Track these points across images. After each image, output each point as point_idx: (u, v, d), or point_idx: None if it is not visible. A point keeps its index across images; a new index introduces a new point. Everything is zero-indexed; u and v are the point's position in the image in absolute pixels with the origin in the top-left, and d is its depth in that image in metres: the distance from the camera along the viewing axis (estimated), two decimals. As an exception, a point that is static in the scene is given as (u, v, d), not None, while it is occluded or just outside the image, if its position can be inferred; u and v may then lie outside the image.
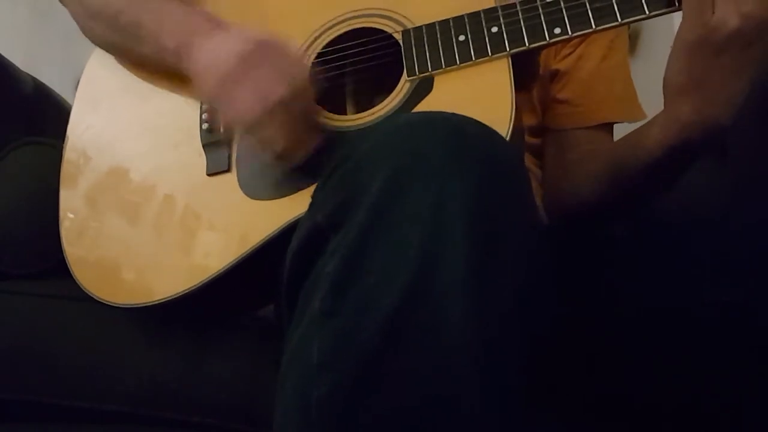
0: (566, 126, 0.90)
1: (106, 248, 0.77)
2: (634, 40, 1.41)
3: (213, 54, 0.70)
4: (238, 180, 0.74)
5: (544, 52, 0.86)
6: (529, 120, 0.91)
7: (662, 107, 0.68)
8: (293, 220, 0.67)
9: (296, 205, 0.67)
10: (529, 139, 0.92)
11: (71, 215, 0.79)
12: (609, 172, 0.78)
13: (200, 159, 0.76)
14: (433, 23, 0.72)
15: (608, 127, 0.91)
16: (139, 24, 0.76)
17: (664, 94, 0.67)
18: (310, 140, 0.70)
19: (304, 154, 0.70)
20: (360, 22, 0.76)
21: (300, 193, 0.69)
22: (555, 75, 0.91)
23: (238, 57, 0.68)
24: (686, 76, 0.63)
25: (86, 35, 0.85)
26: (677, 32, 0.65)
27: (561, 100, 0.91)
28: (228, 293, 0.74)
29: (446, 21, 0.71)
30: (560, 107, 0.91)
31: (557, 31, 0.67)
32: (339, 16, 0.77)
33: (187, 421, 0.77)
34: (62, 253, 0.78)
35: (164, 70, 0.78)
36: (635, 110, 0.92)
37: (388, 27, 0.75)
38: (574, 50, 0.91)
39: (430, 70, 0.70)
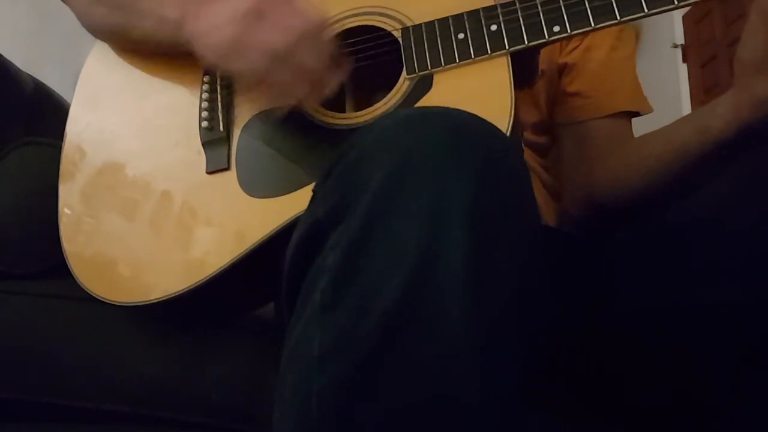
0: (580, 118, 0.90)
1: (104, 245, 0.77)
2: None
3: (226, 9, 0.69)
4: (238, 178, 0.74)
5: (548, 48, 0.86)
6: (532, 116, 0.91)
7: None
8: (293, 217, 0.67)
9: (296, 202, 0.67)
10: (532, 137, 0.92)
11: (69, 212, 0.79)
12: (665, 159, 0.77)
13: (199, 157, 0.76)
14: (433, 21, 0.72)
15: (625, 116, 0.90)
16: None
17: (736, 71, 0.65)
18: (341, 68, 0.70)
19: (336, 85, 0.70)
20: (359, 20, 0.77)
21: (300, 190, 0.69)
22: (563, 69, 0.91)
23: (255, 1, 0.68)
24: (765, 50, 0.62)
25: (86, 24, 0.84)
26: (754, 3, 0.63)
27: (572, 93, 0.91)
28: (227, 292, 0.74)
29: (446, 19, 0.71)
30: (572, 100, 0.91)
31: (556, 29, 0.68)
32: (338, 14, 0.77)
33: (187, 421, 0.77)
34: (62, 252, 0.78)
35: (160, 46, 0.78)
36: (644, 102, 0.92)
37: (388, 25, 0.75)
38: (581, 42, 0.91)
39: (429, 68, 0.70)
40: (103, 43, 0.86)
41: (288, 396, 0.48)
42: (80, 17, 0.85)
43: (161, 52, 0.80)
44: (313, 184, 0.56)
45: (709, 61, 3.45)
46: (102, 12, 0.80)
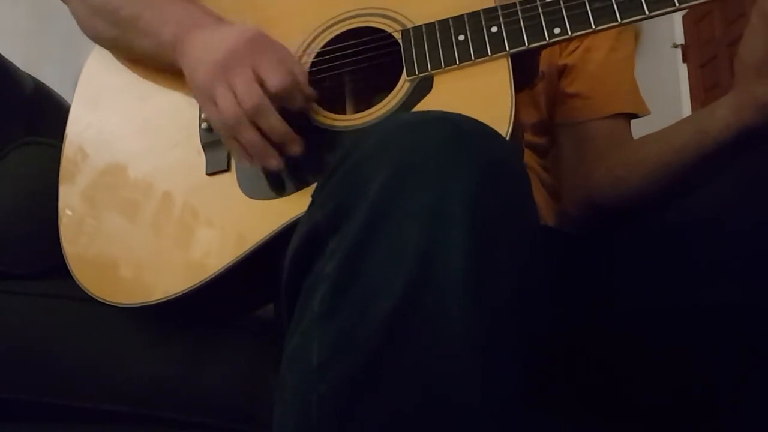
0: (580, 118, 0.90)
1: (104, 247, 0.77)
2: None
3: (206, 45, 0.70)
4: (238, 179, 0.74)
5: (548, 49, 0.86)
6: (532, 117, 0.91)
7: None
8: (293, 220, 0.67)
9: (296, 205, 0.67)
10: (532, 138, 0.92)
11: (70, 213, 0.79)
12: (665, 160, 0.77)
13: (199, 158, 0.76)
14: (433, 23, 0.72)
15: (623, 117, 0.90)
16: (139, 17, 0.76)
17: (737, 73, 0.65)
18: (295, 145, 0.70)
19: (295, 152, 0.70)
20: (359, 22, 0.77)
21: (299, 192, 0.69)
22: (563, 70, 0.91)
23: (233, 45, 0.68)
24: (766, 52, 0.62)
25: (87, 33, 0.85)
26: (756, 5, 0.63)
27: (571, 94, 0.91)
28: (227, 293, 0.74)
29: (446, 21, 0.71)
30: (571, 101, 0.91)
31: (557, 31, 0.67)
32: (339, 15, 0.77)
33: (187, 421, 0.77)
34: (62, 252, 0.78)
35: (161, 65, 0.78)
36: (642, 104, 0.92)
37: (388, 26, 0.75)
38: (581, 44, 0.91)
39: (429, 69, 0.70)
40: (104, 44, 0.87)
41: (288, 397, 0.48)
42: (80, 25, 0.85)
43: (159, 67, 0.80)
44: (313, 186, 0.56)
45: (709, 61, 3.46)
46: (101, 26, 0.81)
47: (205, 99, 0.71)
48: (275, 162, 0.70)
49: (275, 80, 0.67)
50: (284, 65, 0.69)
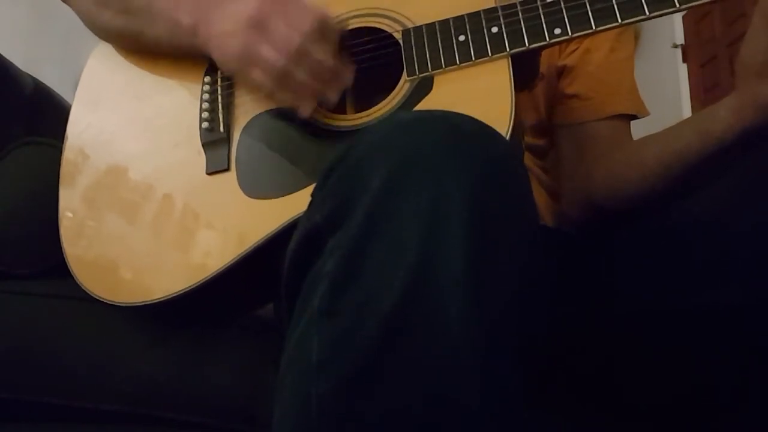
0: (579, 120, 0.90)
1: (105, 247, 0.77)
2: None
3: (229, 18, 0.71)
4: (238, 179, 0.74)
5: (547, 50, 0.86)
6: (531, 119, 0.91)
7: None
8: (293, 219, 0.67)
9: (295, 204, 0.67)
10: (531, 140, 0.92)
11: (70, 214, 0.79)
12: (665, 161, 0.77)
13: (200, 158, 0.76)
14: (433, 23, 0.72)
15: (623, 118, 0.90)
16: (151, 3, 0.76)
17: (738, 74, 0.65)
18: (347, 72, 0.72)
19: (342, 88, 0.72)
20: (360, 22, 0.77)
21: (299, 192, 0.69)
22: (562, 71, 0.91)
23: (256, 7, 0.69)
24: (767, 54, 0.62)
25: (92, 27, 0.84)
26: (757, 6, 0.63)
27: (570, 95, 0.91)
28: (227, 292, 0.74)
29: (446, 21, 0.71)
30: (570, 102, 0.91)
31: (557, 31, 0.67)
32: (339, 15, 0.77)
33: (186, 421, 0.77)
34: (62, 252, 0.78)
35: (173, 50, 0.78)
36: (641, 105, 0.92)
37: (389, 26, 0.75)
38: (580, 44, 0.90)
39: (429, 70, 0.70)
40: (105, 44, 0.87)
41: (287, 402, 0.48)
42: (84, 19, 0.84)
43: (171, 54, 0.80)
44: (313, 185, 0.56)
45: (709, 61, 3.45)
46: (109, 15, 0.81)
47: (246, 66, 0.71)
48: (335, 95, 0.72)
49: (306, 21, 0.69)
50: (307, 8, 0.70)
